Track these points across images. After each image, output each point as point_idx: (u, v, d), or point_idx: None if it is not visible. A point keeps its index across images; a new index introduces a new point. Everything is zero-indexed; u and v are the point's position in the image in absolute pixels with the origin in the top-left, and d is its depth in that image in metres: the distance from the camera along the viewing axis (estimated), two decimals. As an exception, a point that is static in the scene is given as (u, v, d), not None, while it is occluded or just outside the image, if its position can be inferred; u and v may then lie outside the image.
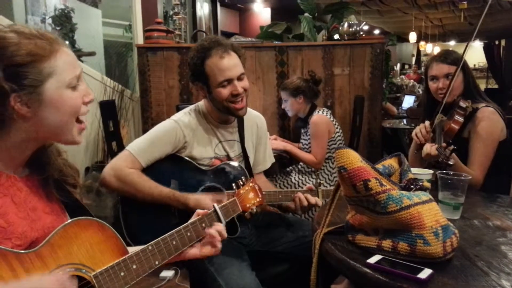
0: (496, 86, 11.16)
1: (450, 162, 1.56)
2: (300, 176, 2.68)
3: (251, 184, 1.40)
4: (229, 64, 1.56)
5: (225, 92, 1.57)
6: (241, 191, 1.36)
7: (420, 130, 1.80)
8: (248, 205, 1.36)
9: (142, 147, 1.55)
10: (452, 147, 1.58)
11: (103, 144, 3.25)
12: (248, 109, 1.75)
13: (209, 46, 1.57)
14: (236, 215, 1.33)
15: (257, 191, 1.41)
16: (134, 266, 0.95)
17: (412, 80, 7.33)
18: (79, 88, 0.94)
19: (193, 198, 1.48)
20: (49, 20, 4.63)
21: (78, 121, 0.95)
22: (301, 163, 2.72)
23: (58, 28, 4.51)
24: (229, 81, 1.56)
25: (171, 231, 1.07)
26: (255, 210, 1.39)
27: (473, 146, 1.78)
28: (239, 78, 1.59)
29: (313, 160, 2.61)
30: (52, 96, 0.89)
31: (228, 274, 1.38)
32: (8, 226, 0.86)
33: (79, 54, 4.21)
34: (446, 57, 1.88)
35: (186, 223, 1.12)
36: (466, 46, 1.80)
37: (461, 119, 1.76)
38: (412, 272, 0.90)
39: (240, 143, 1.73)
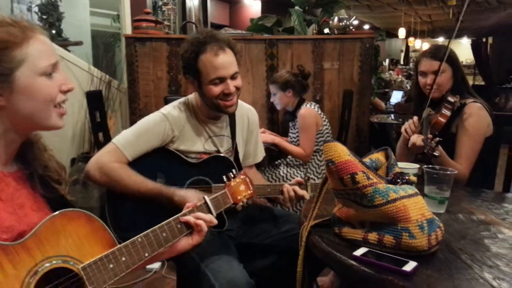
0: (483, 83, 11.30)
1: (436, 153, 1.58)
2: (289, 169, 2.69)
3: (242, 177, 1.39)
4: (224, 62, 1.51)
5: (216, 90, 1.53)
6: (232, 184, 1.35)
7: (409, 125, 1.82)
8: (239, 197, 1.35)
9: (128, 141, 1.52)
10: (437, 138, 1.59)
11: (89, 135, 3.21)
12: (240, 102, 1.73)
13: (204, 41, 1.52)
14: (226, 208, 1.31)
15: (248, 183, 1.40)
16: (124, 258, 0.94)
17: (400, 76, 7.39)
18: (55, 76, 0.93)
19: (179, 194, 1.46)
20: (36, 9, 4.54)
21: (57, 106, 0.94)
22: (289, 156, 2.73)
23: (44, 17, 4.43)
24: (222, 79, 1.53)
25: (161, 223, 1.06)
26: (246, 203, 1.38)
27: (460, 141, 1.80)
28: (233, 77, 1.55)
29: (302, 153, 2.62)
30: (24, 84, 0.88)
31: (216, 266, 1.38)
32: None
33: (66, 43, 4.14)
34: (435, 53, 1.89)
35: (177, 215, 1.11)
36: (449, 43, 1.81)
37: (448, 113, 1.78)
38: (397, 265, 0.91)
39: (231, 138, 1.72)
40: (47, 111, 0.92)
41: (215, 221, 1.17)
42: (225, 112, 1.62)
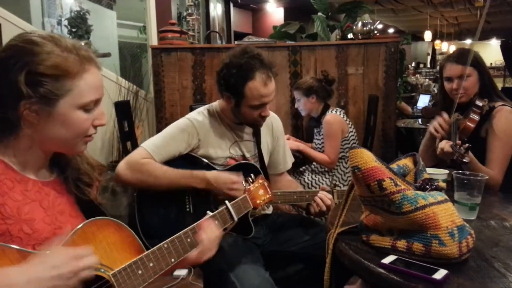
0: (513, 85, 10.96)
1: (465, 160, 1.54)
2: (314, 176, 2.67)
3: (260, 181, 1.41)
4: (270, 91, 1.56)
5: (255, 113, 1.59)
6: (251, 188, 1.37)
7: (440, 124, 1.78)
8: (258, 202, 1.37)
9: (156, 144, 1.56)
10: (467, 145, 1.56)
11: (118, 144, 3.29)
12: None
13: (253, 66, 1.52)
14: (246, 212, 1.33)
15: (266, 188, 1.42)
16: (151, 264, 0.96)
17: (427, 79, 7.25)
18: (93, 111, 0.93)
19: (211, 174, 1.50)
20: (65, 22, 4.70)
21: (85, 137, 0.95)
22: (314, 163, 2.72)
23: (74, 30, 4.58)
24: (263, 105, 1.58)
25: (185, 229, 1.08)
26: (264, 207, 1.39)
27: (491, 146, 1.75)
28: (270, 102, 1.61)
29: (326, 159, 2.60)
30: (62, 113, 0.89)
31: (243, 273, 1.39)
32: (33, 232, 0.88)
33: (95, 55, 4.26)
34: (459, 57, 1.85)
35: (199, 221, 1.13)
36: (472, 46, 1.77)
37: (477, 118, 1.74)
38: (427, 273, 0.90)
39: (256, 144, 1.73)
40: (74, 141, 0.93)
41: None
42: (253, 128, 1.68)
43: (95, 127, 0.95)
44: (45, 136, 0.90)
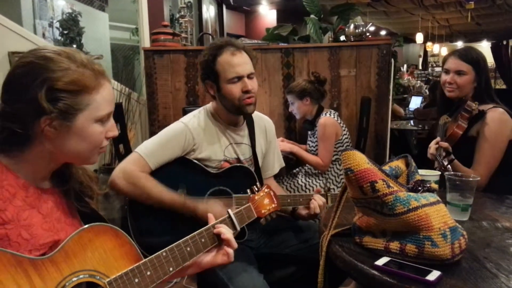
0: (504, 87, 11.06)
1: (446, 173, 1.56)
2: (307, 178, 2.68)
3: (266, 190, 1.38)
4: (240, 61, 1.57)
5: (235, 89, 1.57)
6: (256, 197, 1.34)
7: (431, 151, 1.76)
8: (263, 211, 1.34)
9: (151, 150, 1.55)
10: (451, 157, 1.57)
11: (110, 146, 3.26)
12: (257, 113, 1.75)
13: (221, 45, 1.59)
14: (249, 222, 1.30)
15: (272, 197, 1.39)
16: (149, 273, 0.95)
17: (418, 81, 7.30)
18: (107, 123, 0.96)
19: (202, 207, 1.47)
20: (57, 24, 4.67)
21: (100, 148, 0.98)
22: (308, 165, 2.72)
23: (65, 32, 4.55)
24: (239, 78, 1.57)
25: (185, 238, 1.06)
26: (270, 216, 1.37)
27: (480, 147, 1.77)
28: (249, 77, 1.60)
29: (320, 162, 2.60)
30: (80, 127, 0.91)
31: (237, 276, 1.38)
32: (31, 238, 0.87)
33: (87, 57, 4.24)
34: (464, 54, 1.86)
35: (201, 229, 1.10)
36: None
37: (465, 124, 1.75)
38: (421, 274, 0.90)
39: (251, 147, 1.73)
40: (91, 153, 0.96)
41: (235, 245, 1.15)
42: (245, 112, 1.63)
43: (107, 138, 0.98)
44: (62, 150, 0.92)
